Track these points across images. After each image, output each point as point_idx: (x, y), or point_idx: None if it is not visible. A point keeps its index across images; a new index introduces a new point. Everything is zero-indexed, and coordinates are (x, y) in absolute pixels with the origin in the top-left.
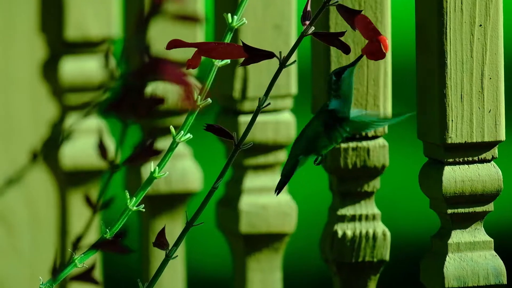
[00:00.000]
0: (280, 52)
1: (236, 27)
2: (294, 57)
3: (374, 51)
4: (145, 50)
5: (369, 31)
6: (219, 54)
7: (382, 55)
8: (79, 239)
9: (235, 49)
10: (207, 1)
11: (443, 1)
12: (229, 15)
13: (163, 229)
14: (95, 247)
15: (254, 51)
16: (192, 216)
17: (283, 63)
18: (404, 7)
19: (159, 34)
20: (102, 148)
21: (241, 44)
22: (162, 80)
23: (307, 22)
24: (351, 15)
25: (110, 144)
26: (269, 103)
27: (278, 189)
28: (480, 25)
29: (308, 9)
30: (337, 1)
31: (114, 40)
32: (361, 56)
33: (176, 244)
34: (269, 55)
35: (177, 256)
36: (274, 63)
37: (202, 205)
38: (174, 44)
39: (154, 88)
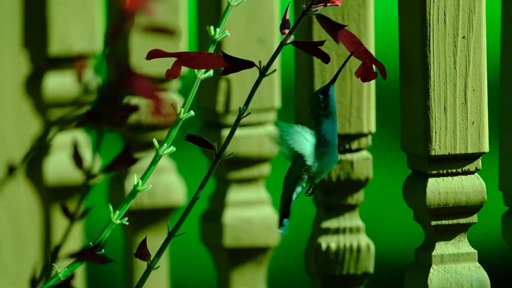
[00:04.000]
0: (260, 62)
1: (218, 39)
2: (274, 67)
3: (366, 73)
4: (116, 63)
5: (362, 53)
6: (199, 64)
7: (373, 76)
8: (57, 248)
9: (215, 59)
10: (191, 14)
11: (426, 13)
12: (212, 27)
13: (145, 240)
14: (75, 256)
15: (234, 60)
16: (174, 226)
17: (263, 73)
18: (387, 19)
19: (138, 47)
20: (77, 158)
21: (222, 54)
22: (133, 94)
23: (286, 31)
24: (334, 29)
25: (87, 154)
26: (249, 113)
27: (282, 224)
28: (463, 37)
29: (286, 18)
30: (316, 10)
31: (96, 55)
32: (340, 70)
33: (158, 254)
34: (249, 64)
35: (159, 266)
36: (257, 76)
37: (183, 216)
38: (154, 54)
39: (130, 97)
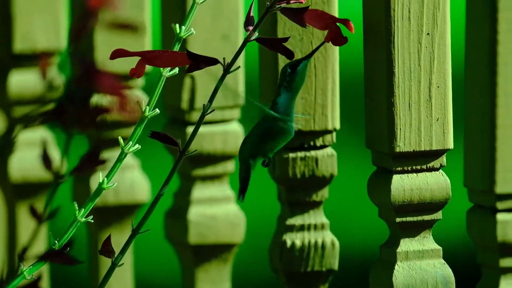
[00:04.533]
0: (224, 59)
1: (184, 37)
2: (239, 63)
3: (337, 37)
4: (81, 60)
5: (327, 20)
6: (163, 62)
7: (344, 40)
8: (25, 250)
9: (179, 57)
10: (155, 11)
11: (391, 10)
12: (177, 25)
13: (109, 237)
14: (43, 258)
15: (198, 57)
16: (138, 223)
17: (226, 70)
18: (351, 16)
19: (102, 44)
20: (46, 159)
21: (185, 52)
22: (97, 90)
23: (250, 28)
24: (299, 13)
25: (55, 155)
26: (213, 110)
27: (241, 195)
28: (428, 34)
29: (251, 15)
30: (280, 6)
31: (61, 52)
32: (317, 49)
33: (122, 251)
34: (212, 61)
35: (123, 263)
36: (221, 73)
37: (147, 213)
38: (118, 53)
39: (99, 98)
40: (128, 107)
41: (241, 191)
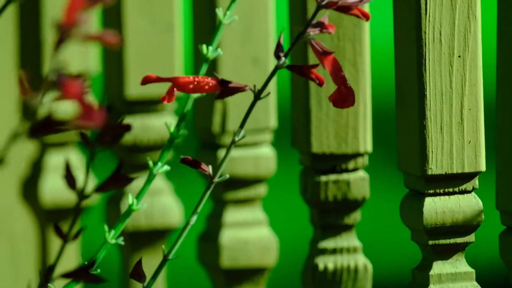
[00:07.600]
0: (255, 86)
1: (211, 58)
2: (269, 89)
3: (339, 100)
4: (57, 72)
5: (338, 78)
6: (194, 89)
7: (346, 104)
8: (51, 268)
9: (209, 83)
10: (186, 33)
11: (422, 32)
12: (204, 46)
13: (140, 260)
14: (67, 275)
15: (228, 84)
16: (169, 250)
17: (257, 96)
18: (383, 38)
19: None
20: (69, 178)
21: (215, 78)
22: (63, 97)
23: (281, 55)
24: (322, 54)
25: (80, 175)
26: (243, 136)
27: None
28: (459, 56)
29: (281, 42)
30: (309, 35)
31: (91, 75)
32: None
33: (154, 276)
34: (243, 88)
35: None
36: (252, 95)
37: (177, 239)
38: (148, 79)
39: (123, 116)
40: (90, 115)
41: None
